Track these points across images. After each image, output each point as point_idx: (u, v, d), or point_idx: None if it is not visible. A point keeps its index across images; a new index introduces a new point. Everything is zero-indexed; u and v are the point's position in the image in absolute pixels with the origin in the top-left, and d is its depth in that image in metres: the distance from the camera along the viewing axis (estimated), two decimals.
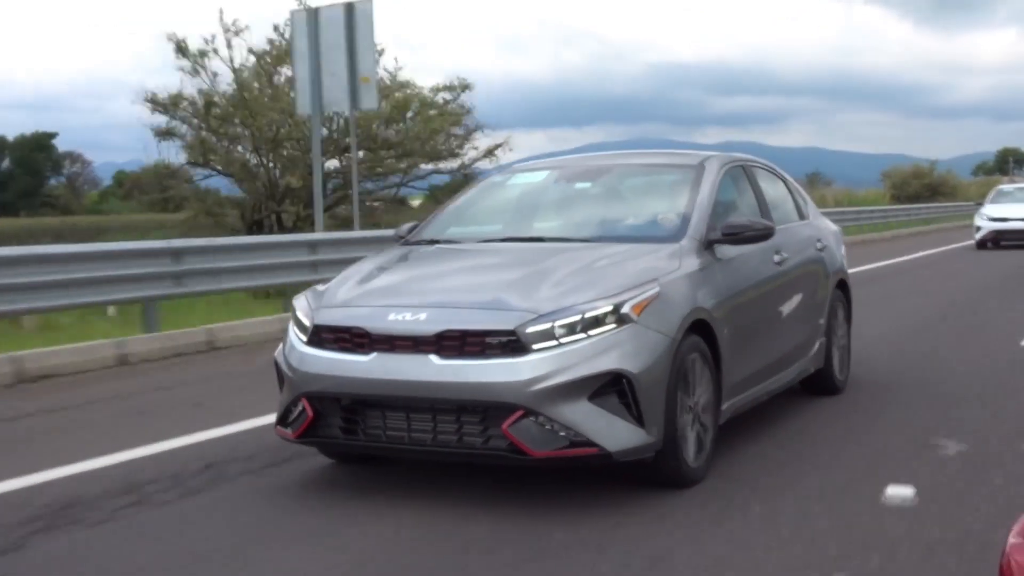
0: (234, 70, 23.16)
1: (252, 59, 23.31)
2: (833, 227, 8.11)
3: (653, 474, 5.08)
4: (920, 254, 24.68)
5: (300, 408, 5.12)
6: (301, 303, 5.45)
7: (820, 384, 7.43)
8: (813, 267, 7.21)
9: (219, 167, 23.95)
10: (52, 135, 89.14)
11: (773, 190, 7.41)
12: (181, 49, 22.91)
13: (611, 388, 4.78)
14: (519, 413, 4.70)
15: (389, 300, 5.15)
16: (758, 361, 6.11)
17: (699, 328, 5.33)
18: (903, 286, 16.39)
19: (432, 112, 24.57)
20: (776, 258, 6.46)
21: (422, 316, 4.91)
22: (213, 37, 22.90)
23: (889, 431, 6.34)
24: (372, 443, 4.98)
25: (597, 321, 4.82)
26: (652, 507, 4.83)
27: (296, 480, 5.45)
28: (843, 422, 6.64)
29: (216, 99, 23.29)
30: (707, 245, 5.73)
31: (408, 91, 24.79)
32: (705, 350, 5.37)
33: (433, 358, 4.80)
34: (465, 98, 25.46)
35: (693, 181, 6.13)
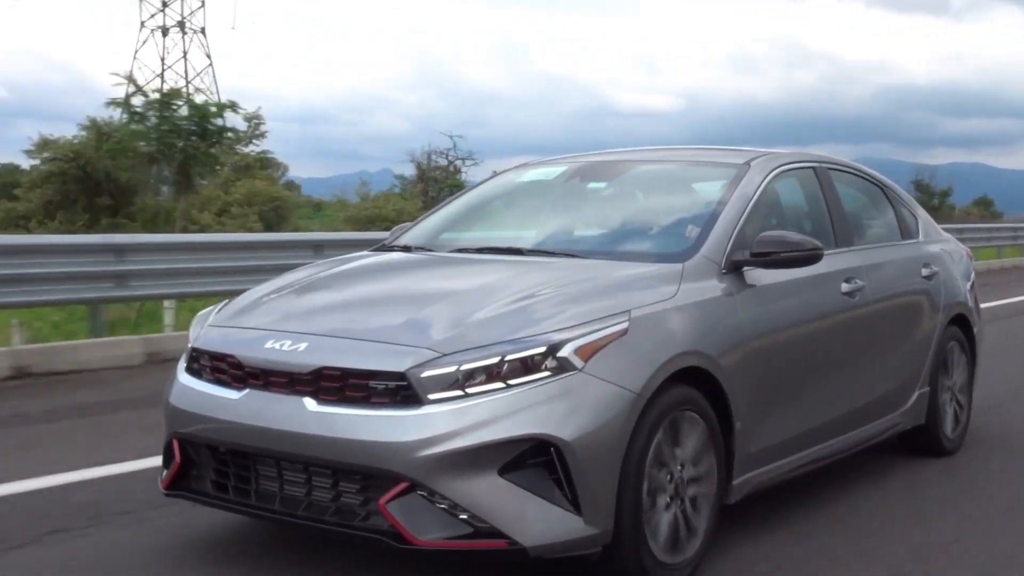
0: None
1: None
2: (957, 248, 6.51)
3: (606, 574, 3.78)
4: None
5: (171, 452, 4.08)
6: (199, 317, 4.41)
7: (922, 443, 5.90)
8: (912, 298, 5.68)
9: None
10: None
11: (863, 202, 5.92)
12: None
13: (533, 459, 3.53)
14: (403, 485, 3.51)
15: (278, 322, 4.03)
16: (808, 419, 4.70)
17: (695, 378, 4.01)
18: None
19: None
20: (846, 287, 5.01)
21: (302, 346, 3.78)
22: None
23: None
24: (242, 505, 3.87)
25: (524, 366, 3.57)
26: None
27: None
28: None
29: None
30: (731, 267, 4.37)
31: None
32: (705, 408, 4.03)
33: (308, 402, 3.66)
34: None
35: (728, 185, 4.76)
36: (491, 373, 3.54)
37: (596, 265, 4.32)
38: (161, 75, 66.37)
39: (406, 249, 5.05)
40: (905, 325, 5.56)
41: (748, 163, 4.94)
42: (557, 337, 3.62)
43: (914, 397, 5.64)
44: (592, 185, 5.32)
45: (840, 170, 5.66)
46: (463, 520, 3.48)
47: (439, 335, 3.64)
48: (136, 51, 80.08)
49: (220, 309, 4.38)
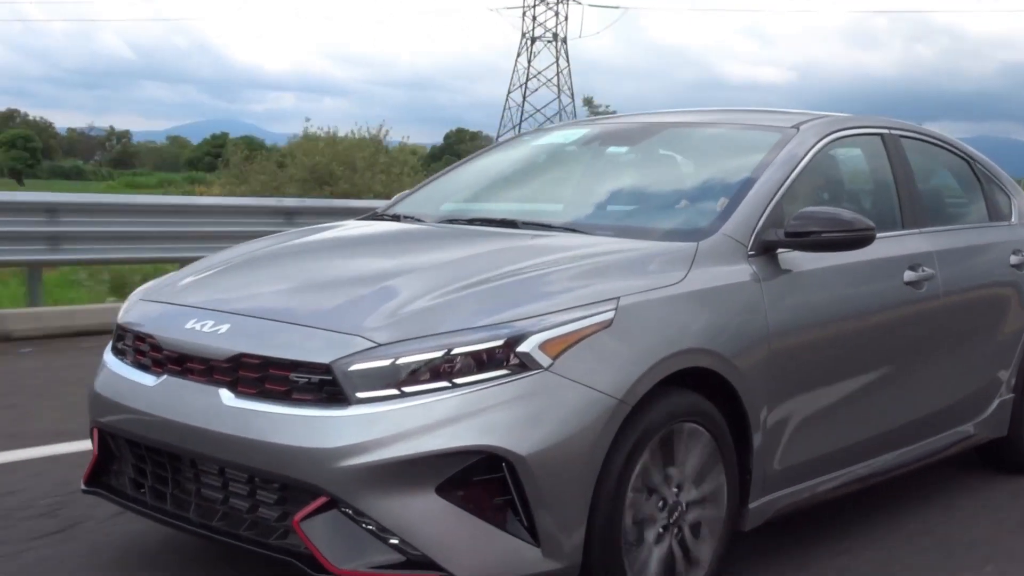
0: None
1: None
2: None
3: None
4: None
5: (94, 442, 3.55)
6: (138, 290, 3.86)
7: (1005, 457, 5.09)
8: (996, 290, 4.86)
9: None
10: None
11: (943, 177, 5.10)
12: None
13: (481, 476, 2.89)
14: (321, 501, 2.91)
15: (209, 299, 3.45)
16: (851, 432, 3.96)
17: (703, 382, 3.32)
18: None
19: None
20: (911, 275, 4.23)
21: (223, 328, 3.19)
22: None
23: None
24: (157, 510, 3.31)
25: (477, 362, 2.93)
26: None
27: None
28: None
29: None
30: (761, 249, 3.66)
31: None
32: (714, 418, 3.35)
33: (224, 395, 3.07)
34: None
35: (768, 152, 4.02)
36: (435, 369, 2.91)
37: (595, 242, 3.63)
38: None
39: (395, 218, 4.43)
40: (985, 321, 4.74)
41: (797, 127, 4.18)
42: (519, 328, 2.97)
43: (994, 405, 4.83)
44: (612, 150, 4.63)
45: (916, 138, 4.84)
46: (393, 546, 2.87)
47: (378, 321, 3.02)
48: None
49: (161, 281, 3.83)
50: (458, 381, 2.90)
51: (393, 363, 2.90)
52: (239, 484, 3.09)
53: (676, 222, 3.84)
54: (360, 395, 2.89)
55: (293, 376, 2.97)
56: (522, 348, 2.93)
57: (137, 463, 3.38)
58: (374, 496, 2.84)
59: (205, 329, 3.20)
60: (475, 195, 4.63)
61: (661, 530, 3.21)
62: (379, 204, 5.49)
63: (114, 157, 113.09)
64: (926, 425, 4.40)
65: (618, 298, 3.15)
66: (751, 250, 3.63)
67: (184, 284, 3.65)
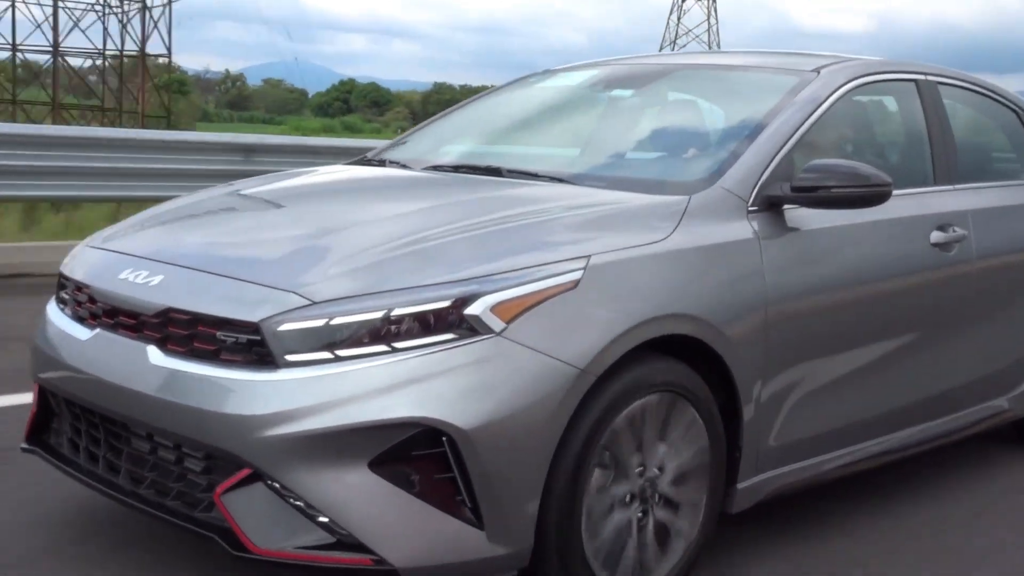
0: None
1: None
2: None
3: None
4: None
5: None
6: (90, 236, 3.61)
7: None
8: None
9: None
10: None
11: (988, 129, 4.67)
12: None
13: (420, 451, 2.61)
14: (244, 473, 2.65)
15: (150, 247, 3.19)
16: (862, 406, 3.61)
17: (687, 348, 3.01)
18: None
19: None
20: (938, 236, 3.84)
21: (156, 280, 2.93)
22: None
23: None
24: (90, 475, 3.07)
25: (421, 325, 2.64)
26: None
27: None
28: None
29: None
30: (765, 204, 3.30)
31: None
32: (697, 389, 3.03)
33: (152, 352, 2.82)
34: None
35: (783, 97, 3.64)
36: (374, 332, 2.62)
37: (578, 194, 3.31)
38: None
39: (380, 163, 4.13)
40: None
41: (818, 70, 3.80)
42: (469, 288, 2.66)
43: None
44: (616, 93, 4.26)
45: (958, 86, 4.41)
46: (323, 525, 2.60)
47: (316, 277, 2.73)
48: None
49: (112, 227, 3.58)
50: (398, 346, 2.61)
51: (327, 324, 2.62)
52: (167, 450, 2.84)
53: (670, 174, 3.49)
54: (290, 358, 2.62)
55: (220, 335, 2.70)
56: (471, 311, 2.63)
57: (74, 422, 3.16)
58: (300, 469, 2.57)
59: (138, 280, 2.94)
60: (471, 140, 4.30)
61: (635, 512, 2.91)
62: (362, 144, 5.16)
63: (230, 99, 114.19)
64: (953, 399, 4.03)
65: (589, 256, 2.83)
66: (752, 206, 3.28)
67: (130, 231, 3.40)
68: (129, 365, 2.84)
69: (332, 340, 2.61)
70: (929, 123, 4.09)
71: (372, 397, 2.56)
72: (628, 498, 2.91)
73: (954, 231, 3.90)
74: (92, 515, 3.47)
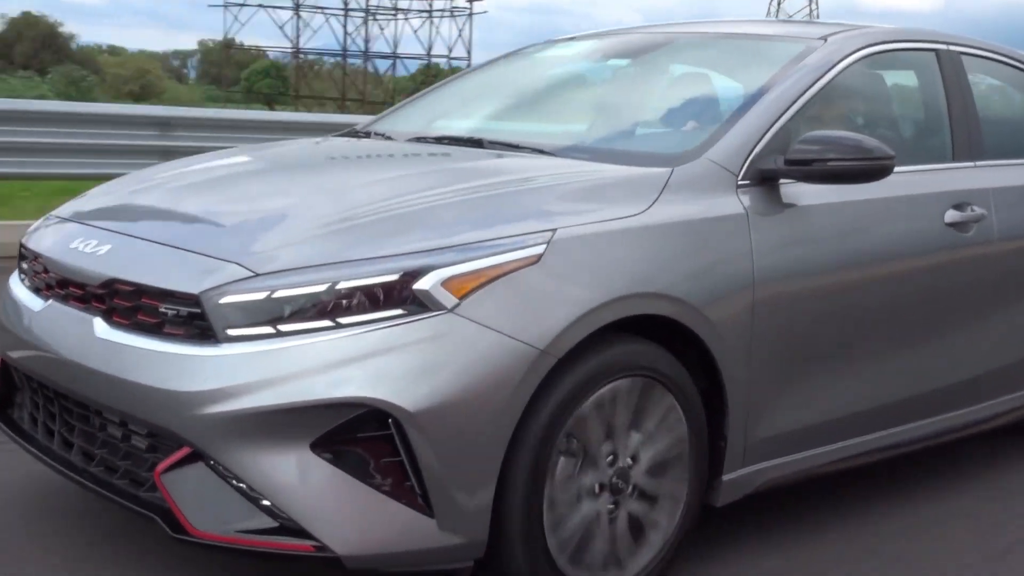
0: None
1: None
2: None
3: None
4: None
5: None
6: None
7: None
8: None
9: None
10: None
11: (1016, 104, 4.42)
12: None
13: (366, 433, 2.47)
14: (184, 452, 2.53)
15: (106, 217, 3.07)
16: (865, 396, 3.41)
17: (666, 331, 2.84)
18: None
19: None
20: (954, 215, 3.62)
21: (104, 249, 2.82)
22: None
23: None
24: (47, 453, 2.97)
25: (368, 299, 2.49)
26: None
27: None
28: None
29: None
30: (757, 178, 3.11)
31: None
32: (676, 375, 2.86)
33: (97, 325, 2.71)
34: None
35: (785, 66, 3.44)
36: (320, 306, 2.49)
37: (555, 166, 3.15)
38: None
39: (366, 135, 3.99)
40: None
41: (825, 37, 3.59)
42: (420, 261, 2.52)
43: None
44: (612, 63, 4.08)
45: (985, 57, 4.17)
46: (265, 509, 2.48)
47: (262, 247, 2.60)
48: None
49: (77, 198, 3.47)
50: (344, 321, 2.47)
51: (269, 296, 2.49)
52: (115, 427, 2.73)
53: (657, 145, 3.32)
54: (231, 332, 2.49)
55: (163, 307, 2.58)
56: (420, 285, 2.48)
57: (32, 396, 3.07)
58: (240, 449, 2.45)
59: (87, 249, 2.84)
60: (460, 112, 4.15)
61: (605, 504, 2.76)
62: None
63: None
64: (973, 390, 3.81)
65: (554, 230, 2.67)
66: (743, 179, 3.09)
67: (92, 201, 3.29)
68: (76, 337, 2.74)
69: (274, 314, 2.48)
70: (949, 96, 3.86)
71: (314, 375, 2.43)
72: (597, 488, 2.75)
73: (972, 210, 3.68)
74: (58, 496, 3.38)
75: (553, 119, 3.90)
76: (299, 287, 2.48)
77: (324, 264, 2.51)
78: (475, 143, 3.50)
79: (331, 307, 2.47)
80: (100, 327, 2.68)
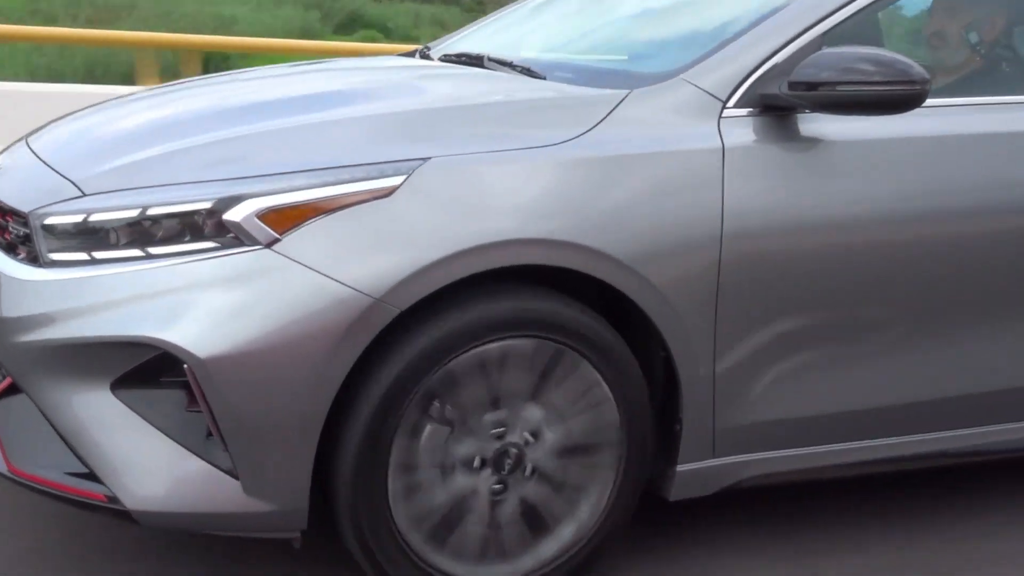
0: None
1: None
2: None
3: None
4: None
5: None
6: None
7: None
8: None
9: None
10: None
11: None
12: None
13: (168, 377, 2.20)
14: (7, 382, 2.38)
15: (38, 141, 2.88)
16: (889, 389, 2.68)
17: (592, 288, 2.37)
18: None
19: None
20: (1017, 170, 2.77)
21: (6, 172, 2.69)
22: None
23: None
24: None
25: (184, 228, 2.21)
26: None
27: None
28: None
29: None
30: (755, 105, 2.51)
31: None
32: (596, 334, 2.38)
33: None
34: None
35: None
36: (134, 234, 2.23)
37: (514, 88, 2.71)
38: None
39: (423, 56, 3.63)
40: None
41: None
42: (234, 188, 2.20)
43: None
44: None
45: None
46: (74, 451, 2.29)
47: (105, 166, 2.38)
48: None
49: None
50: (154, 251, 2.21)
51: (86, 220, 2.26)
52: None
53: (643, 66, 2.75)
54: (52, 256, 2.29)
55: (12, 225, 2.43)
56: (230, 216, 2.17)
57: None
58: (46, 384, 2.26)
59: None
60: (508, 34, 3.68)
61: (487, 482, 2.34)
62: None
63: None
64: None
65: (426, 159, 2.25)
66: (735, 107, 2.50)
67: (55, 127, 3.15)
68: None
69: (90, 239, 2.26)
70: None
71: (116, 308, 2.19)
72: (478, 463, 2.34)
73: None
74: None
75: (554, 40, 3.40)
76: (112, 211, 2.24)
77: (140, 188, 2.25)
78: (477, 62, 3.10)
79: (143, 235, 2.21)
80: None
